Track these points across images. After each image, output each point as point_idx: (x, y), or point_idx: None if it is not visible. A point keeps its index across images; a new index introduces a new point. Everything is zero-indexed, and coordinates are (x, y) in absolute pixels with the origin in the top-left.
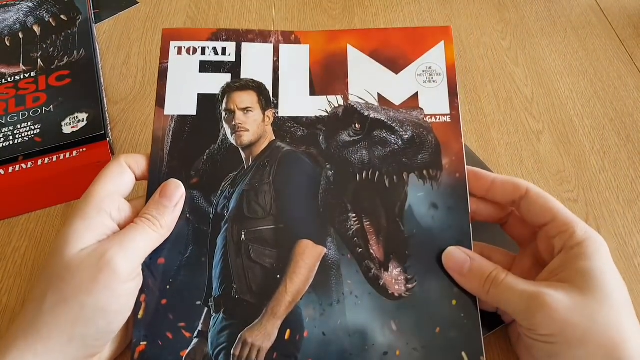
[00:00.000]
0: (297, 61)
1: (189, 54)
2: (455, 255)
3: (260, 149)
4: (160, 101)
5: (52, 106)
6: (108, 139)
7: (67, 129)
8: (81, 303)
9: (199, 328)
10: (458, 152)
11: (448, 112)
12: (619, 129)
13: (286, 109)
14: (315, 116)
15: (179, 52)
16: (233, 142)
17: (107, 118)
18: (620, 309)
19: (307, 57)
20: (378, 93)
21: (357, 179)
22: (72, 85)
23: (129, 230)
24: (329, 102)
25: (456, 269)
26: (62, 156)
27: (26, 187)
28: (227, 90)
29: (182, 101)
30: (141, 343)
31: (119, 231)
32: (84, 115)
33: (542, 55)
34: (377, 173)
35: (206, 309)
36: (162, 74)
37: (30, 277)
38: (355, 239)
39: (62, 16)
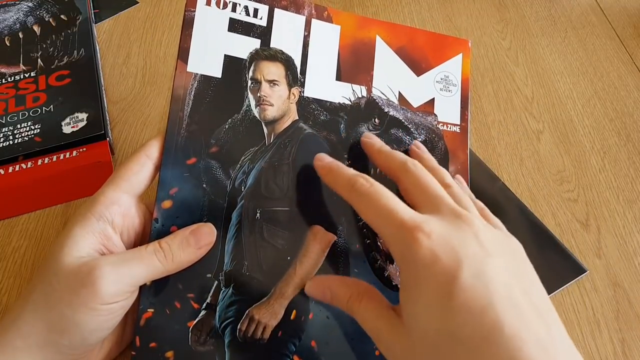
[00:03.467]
0: (327, 41)
1: (219, 7)
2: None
3: (282, 127)
4: (184, 55)
5: (52, 106)
6: (108, 139)
7: (67, 129)
8: (60, 313)
9: (208, 300)
10: (463, 162)
11: (458, 122)
12: (619, 128)
13: (311, 90)
14: (339, 103)
15: (208, 2)
16: (257, 115)
17: (107, 118)
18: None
19: (338, 38)
20: (399, 91)
21: (371, 173)
22: (72, 85)
23: (132, 254)
24: (353, 91)
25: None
26: (62, 156)
27: (26, 187)
28: (256, 57)
29: (207, 59)
30: (148, 310)
31: (123, 249)
32: (84, 115)
33: (542, 55)
34: None
35: (216, 282)
36: (188, 24)
37: (30, 277)
38: (365, 230)
39: (62, 16)
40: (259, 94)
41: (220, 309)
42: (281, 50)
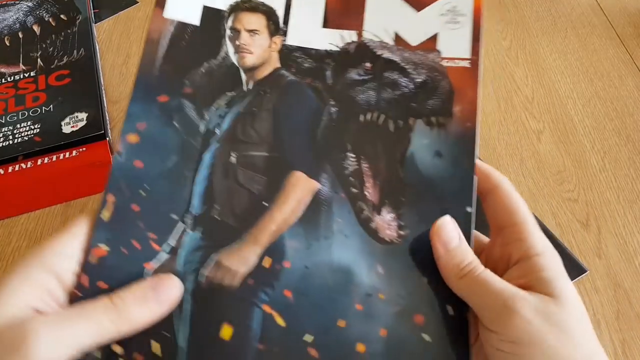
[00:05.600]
0: None
1: None
2: (448, 229)
3: (263, 74)
4: (160, 2)
5: (51, 106)
6: (108, 139)
7: (66, 129)
8: None
9: (171, 244)
10: (472, 100)
11: (468, 56)
12: (619, 128)
13: (295, 38)
14: (325, 50)
15: None
16: (235, 62)
17: (107, 118)
18: (588, 321)
19: None
20: (395, 32)
21: (361, 119)
22: (71, 85)
23: (77, 312)
24: (342, 36)
25: (442, 243)
26: (62, 156)
27: (26, 187)
28: (236, 9)
29: (185, 7)
30: (101, 246)
31: (65, 306)
32: (83, 115)
33: (542, 55)
34: (383, 116)
35: (182, 225)
36: None
37: None
38: (351, 178)
39: (62, 16)
40: (237, 42)
41: (185, 253)
42: (263, 2)
